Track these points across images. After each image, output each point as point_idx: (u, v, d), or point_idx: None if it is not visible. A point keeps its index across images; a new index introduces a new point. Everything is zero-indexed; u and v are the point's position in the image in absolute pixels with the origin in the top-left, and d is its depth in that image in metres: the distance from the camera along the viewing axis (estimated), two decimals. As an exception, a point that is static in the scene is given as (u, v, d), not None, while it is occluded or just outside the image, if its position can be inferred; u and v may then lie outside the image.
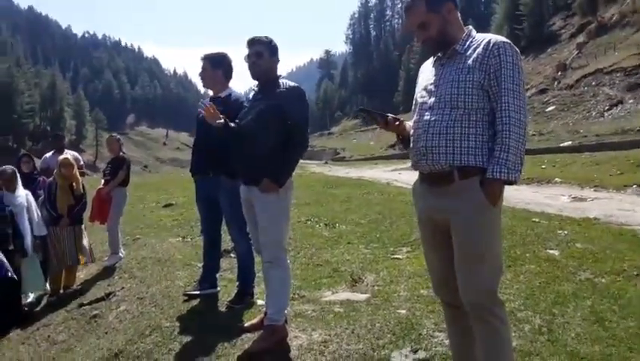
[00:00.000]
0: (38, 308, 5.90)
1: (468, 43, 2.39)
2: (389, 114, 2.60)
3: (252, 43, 3.51)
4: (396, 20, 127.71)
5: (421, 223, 2.62)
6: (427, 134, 2.37)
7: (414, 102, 2.59)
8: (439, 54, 2.48)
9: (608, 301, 3.78)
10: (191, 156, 4.57)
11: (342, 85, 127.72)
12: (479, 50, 2.32)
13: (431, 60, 2.57)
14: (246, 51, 3.55)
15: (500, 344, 2.34)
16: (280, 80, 3.54)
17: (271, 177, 3.38)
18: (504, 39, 2.33)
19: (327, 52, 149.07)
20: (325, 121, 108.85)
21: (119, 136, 7.37)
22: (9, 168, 6.32)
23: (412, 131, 2.51)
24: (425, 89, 2.49)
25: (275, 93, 3.47)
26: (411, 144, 2.51)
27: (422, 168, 2.46)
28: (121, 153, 7.05)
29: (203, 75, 4.37)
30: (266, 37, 3.56)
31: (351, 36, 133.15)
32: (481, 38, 2.37)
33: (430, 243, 2.58)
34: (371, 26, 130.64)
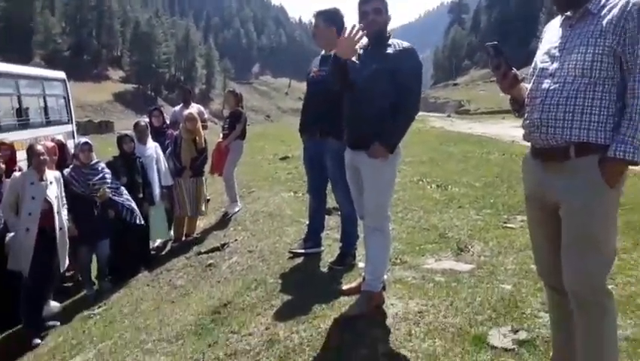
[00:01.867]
0: (163, 253, 6.47)
1: (603, 1, 2.10)
2: (514, 69, 2.30)
3: (366, 2, 3.29)
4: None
5: (528, 201, 2.45)
6: (543, 104, 2.16)
7: (532, 66, 2.35)
8: (569, 13, 2.21)
9: None
10: (301, 115, 4.60)
11: (473, 30, 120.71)
12: (615, 10, 2.03)
13: (559, 19, 2.29)
14: (356, 8, 3.35)
15: (601, 337, 2.17)
16: (392, 41, 3.34)
17: (382, 141, 3.25)
18: None
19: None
20: (451, 71, 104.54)
21: (236, 90, 7.61)
22: (142, 120, 6.89)
23: (527, 100, 2.30)
24: (548, 52, 2.24)
25: (387, 54, 3.29)
26: (525, 114, 2.31)
27: (535, 141, 2.26)
28: (238, 108, 7.27)
29: (316, 32, 4.26)
30: None
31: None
32: None
33: (538, 223, 2.41)
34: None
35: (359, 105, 3.39)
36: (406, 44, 3.33)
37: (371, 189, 3.40)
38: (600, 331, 2.16)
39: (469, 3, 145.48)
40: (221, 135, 7.31)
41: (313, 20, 4.26)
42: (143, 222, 5.99)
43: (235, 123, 7.11)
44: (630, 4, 2.01)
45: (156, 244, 6.73)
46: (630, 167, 2.09)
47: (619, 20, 2.02)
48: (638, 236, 4.53)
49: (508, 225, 5.15)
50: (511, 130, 18.28)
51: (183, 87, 9.94)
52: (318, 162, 4.40)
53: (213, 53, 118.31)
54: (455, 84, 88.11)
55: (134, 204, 5.95)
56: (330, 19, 4.17)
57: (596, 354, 2.18)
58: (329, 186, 4.55)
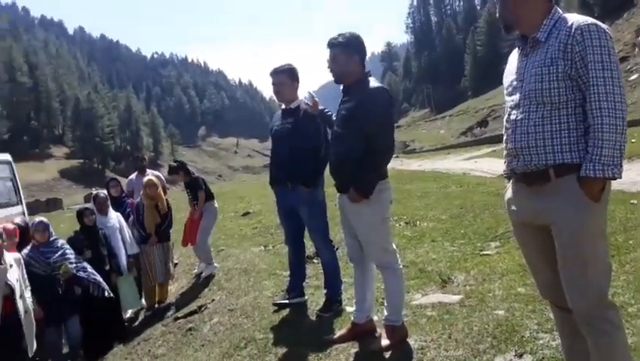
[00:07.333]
0: (137, 323, 6.17)
1: (550, 29, 2.17)
2: None
3: (329, 46, 3.37)
4: (457, 3, 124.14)
5: (517, 228, 2.45)
6: (515, 134, 2.22)
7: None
8: (521, 45, 2.29)
9: None
10: (270, 168, 4.59)
11: (406, 76, 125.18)
12: (562, 36, 2.11)
13: (517, 50, 2.37)
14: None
15: (614, 352, 2.14)
16: (368, 79, 3.33)
17: (356, 186, 3.25)
18: (588, 20, 2.09)
19: (388, 44, 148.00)
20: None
21: (173, 163, 7.16)
22: (102, 192, 6.65)
23: (503, 130, 2.36)
24: (510, 84, 2.32)
25: (358, 96, 3.30)
26: (503, 144, 2.35)
27: (515, 169, 2.30)
28: (189, 176, 6.91)
29: (280, 89, 4.31)
30: (343, 36, 3.36)
31: (411, 25, 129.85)
32: (564, 22, 2.14)
33: (532, 246, 2.40)
34: (431, 12, 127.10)
35: (336, 149, 3.44)
36: (377, 84, 3.34)
37: (360, 231, 3.40)
38: (613, 346, 2.14)
39: (398, 51, 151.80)
40: (189, 209, 7.02)
41: (275, 78, 4.30)
42: (112, 294, 5.72)
43: (196, 191, 6.85)
44: (574, 29, 2.08)
45: (128, 315, 6.41)
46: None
47: (566, 46, 2.09)
48: (614, 248, 4.63)
49: (485, 252, 5.19)
50: (459, 163, 18.83)
51: (137, 156, 9.69)
52: (292, 211, 4.37)
53: (158, 120, 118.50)
54: (398, 126, 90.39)
55: (99, 278, 5.67)
56: (295, 75, 4.33)
57: None
58: (306, 233, 4.51)
